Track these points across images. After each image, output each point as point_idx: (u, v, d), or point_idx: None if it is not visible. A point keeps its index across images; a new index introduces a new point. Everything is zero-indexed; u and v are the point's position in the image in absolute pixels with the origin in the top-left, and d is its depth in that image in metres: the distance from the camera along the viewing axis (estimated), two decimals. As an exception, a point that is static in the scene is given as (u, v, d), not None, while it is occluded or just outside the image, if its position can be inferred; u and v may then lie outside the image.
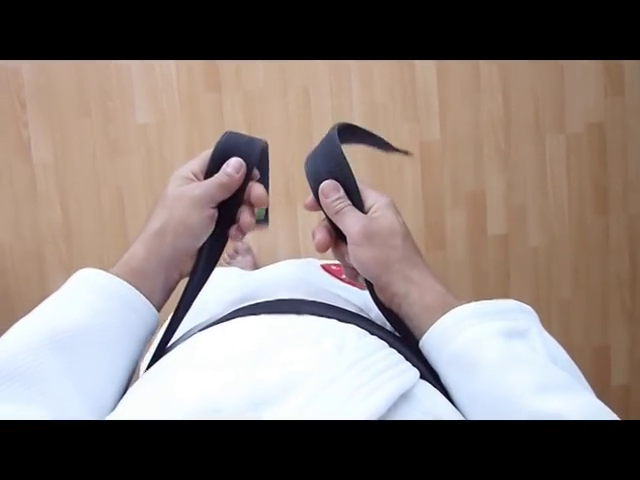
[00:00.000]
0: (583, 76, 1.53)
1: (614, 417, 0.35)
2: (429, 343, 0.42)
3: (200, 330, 0.44)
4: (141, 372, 0.46)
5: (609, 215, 1.57)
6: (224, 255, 1.45)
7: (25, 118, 1.44)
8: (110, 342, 0.42)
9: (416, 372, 0.37)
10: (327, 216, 0.48)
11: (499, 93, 1.52)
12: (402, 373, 0.36)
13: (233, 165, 0.47)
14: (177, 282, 0.50)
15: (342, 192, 0.47)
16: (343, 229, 0.46)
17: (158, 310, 0.47)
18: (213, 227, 0.48)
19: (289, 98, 1.48)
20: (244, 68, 1.46)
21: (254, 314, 0.43)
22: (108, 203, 1.46)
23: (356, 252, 0.45)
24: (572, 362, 0.42)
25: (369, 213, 0.47)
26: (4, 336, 0.41)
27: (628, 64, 1.54)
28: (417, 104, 1.50)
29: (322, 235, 0.48)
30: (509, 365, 0.38)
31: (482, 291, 1.54)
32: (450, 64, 1.50)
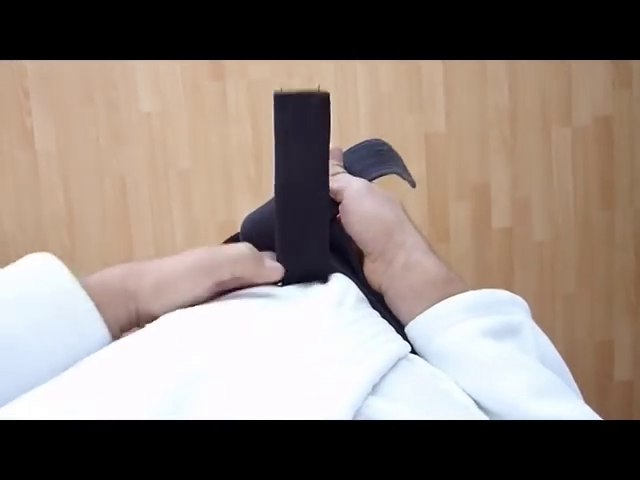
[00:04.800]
0: (590, 69, 1.52)
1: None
2: (416, 330, 0.40)
3: None
4: None
5: (615, 210, 1.55)
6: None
7: (28, 106, 1.43)
8: (42, 359, 0.33)
9: (408, 345, 0.37)
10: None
11: (505, 85, 1.51)
12: (398, 339, 0.36)
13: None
14: (130, 323, 0.38)
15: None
16: (342, 188, 0.43)
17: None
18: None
19: (294, 87, 1.47)
20: (249, 57, 1.45)
21: None
22: (111, 192, 1.45)
23: (359, 204, 0.42)
24: (561, 361, 0.40)
25: None
26: None
27: (637, 57, 1.53)
28: (422, 95, 1.49)
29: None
30: (500, 367, 0.37)
31: (485, 284, 1.52)
32: (457, 55, 1.49)
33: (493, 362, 0.37)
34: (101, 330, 0.34)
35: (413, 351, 0.39)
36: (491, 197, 1.53)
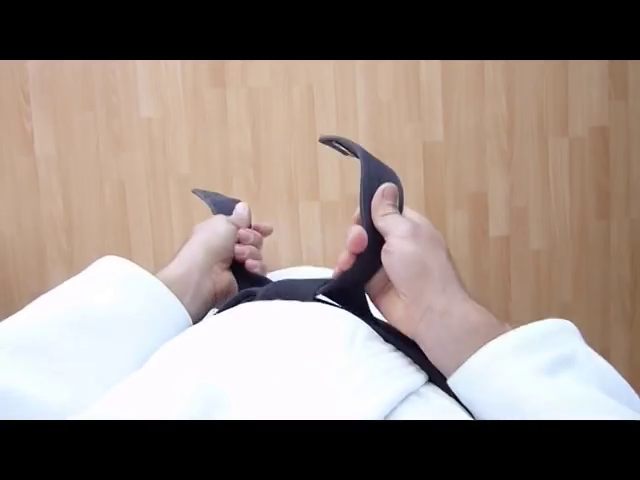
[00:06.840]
0: (587, 79, 1.53)
1: None
2: (463, 381, 0.38)
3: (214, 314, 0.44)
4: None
5: (611, 219, 1.56)
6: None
7: (29, 111, 1.44)
8: (134, 335, 0.44)
9: (424, 376, 0.37)
10: (367, 218, 0.46)
11: (503, 95, 1.52)
12: (409, 374, 0.36)
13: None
14: (212, 294, 0.53)
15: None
16: (388, 228, 0.45)
17: (191, 315, 0.48)
18: (236, 239, 0.60)
19: (293, 95, 1.48)
20: (249, 65, 1.46)
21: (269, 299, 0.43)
22: (110, 197, 1.46)
23: (402, 244, 0.43)
24: (624, 383, 0.38)
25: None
26: (23, 310, 0.41)
27: (632, 68, 1.54)
28: (421, 104, 1.50)
29: (359, 230, 0.46)
30: (558, 408, 0.34)
31: (482, 292, 1.54)
32: (455, 65, 1.50)
33: (550, 402, 0.35)
34: (173, 301, 0.48)
35: (431, 380, 0.38)
36: (488, 206, 1.53)
